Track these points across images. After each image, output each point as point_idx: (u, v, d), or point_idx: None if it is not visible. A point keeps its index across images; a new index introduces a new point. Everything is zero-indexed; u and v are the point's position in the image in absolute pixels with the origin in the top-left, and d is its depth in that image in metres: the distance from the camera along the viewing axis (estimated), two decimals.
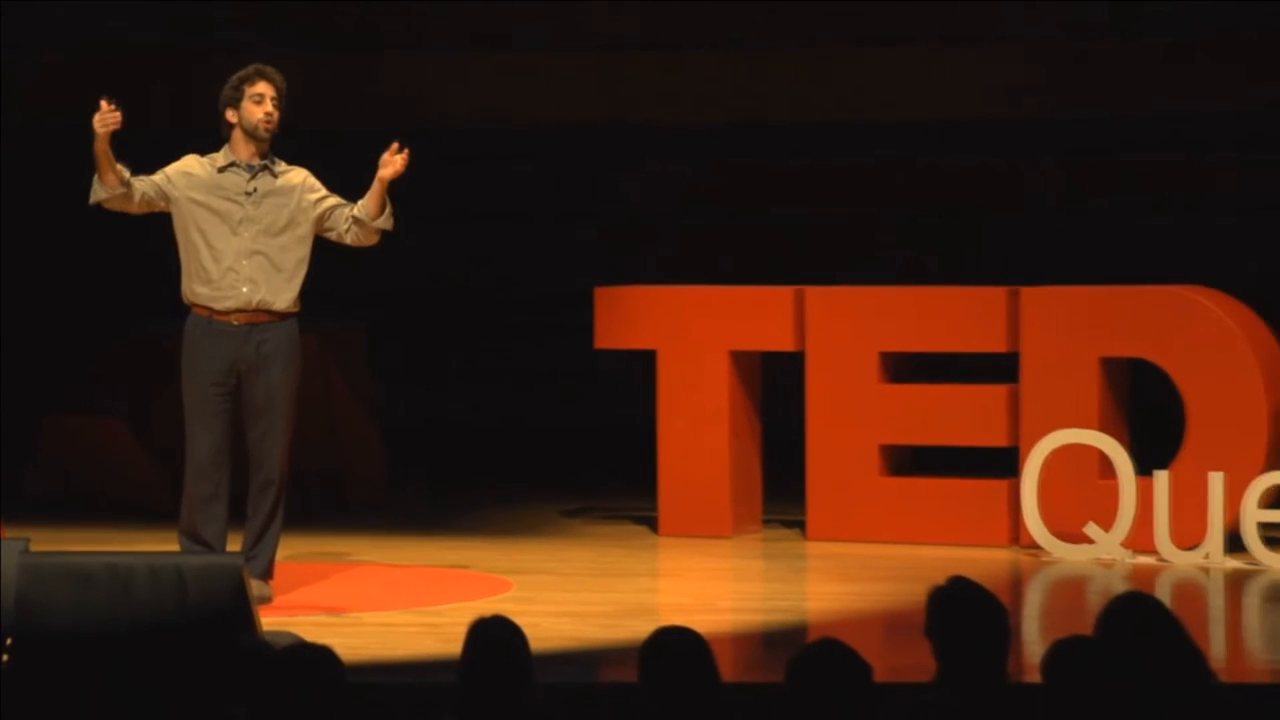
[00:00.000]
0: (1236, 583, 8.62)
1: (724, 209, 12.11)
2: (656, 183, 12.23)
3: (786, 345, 9.67)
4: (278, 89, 7.83)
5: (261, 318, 7.78)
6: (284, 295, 7.81)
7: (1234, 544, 8.87)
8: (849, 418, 9.53)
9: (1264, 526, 8.85)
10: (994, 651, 5.25)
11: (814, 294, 9.66)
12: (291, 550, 8.91)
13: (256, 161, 7.84)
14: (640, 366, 9.92)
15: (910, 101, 11.93)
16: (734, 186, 12.12)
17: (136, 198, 7.76)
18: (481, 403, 12.17)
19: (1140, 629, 5.23)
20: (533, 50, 12.19)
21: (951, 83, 11.90)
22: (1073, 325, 9.29)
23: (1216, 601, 8.41)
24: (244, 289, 7.76)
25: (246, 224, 7.81)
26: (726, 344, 9.71)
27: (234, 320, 7.76)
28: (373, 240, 7.94)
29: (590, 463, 11.40)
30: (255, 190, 7.82)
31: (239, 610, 6.42)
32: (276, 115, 7.81)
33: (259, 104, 7.79)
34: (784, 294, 9.69)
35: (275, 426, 7.80)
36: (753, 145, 12.09)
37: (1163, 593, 8.21)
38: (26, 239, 10.94)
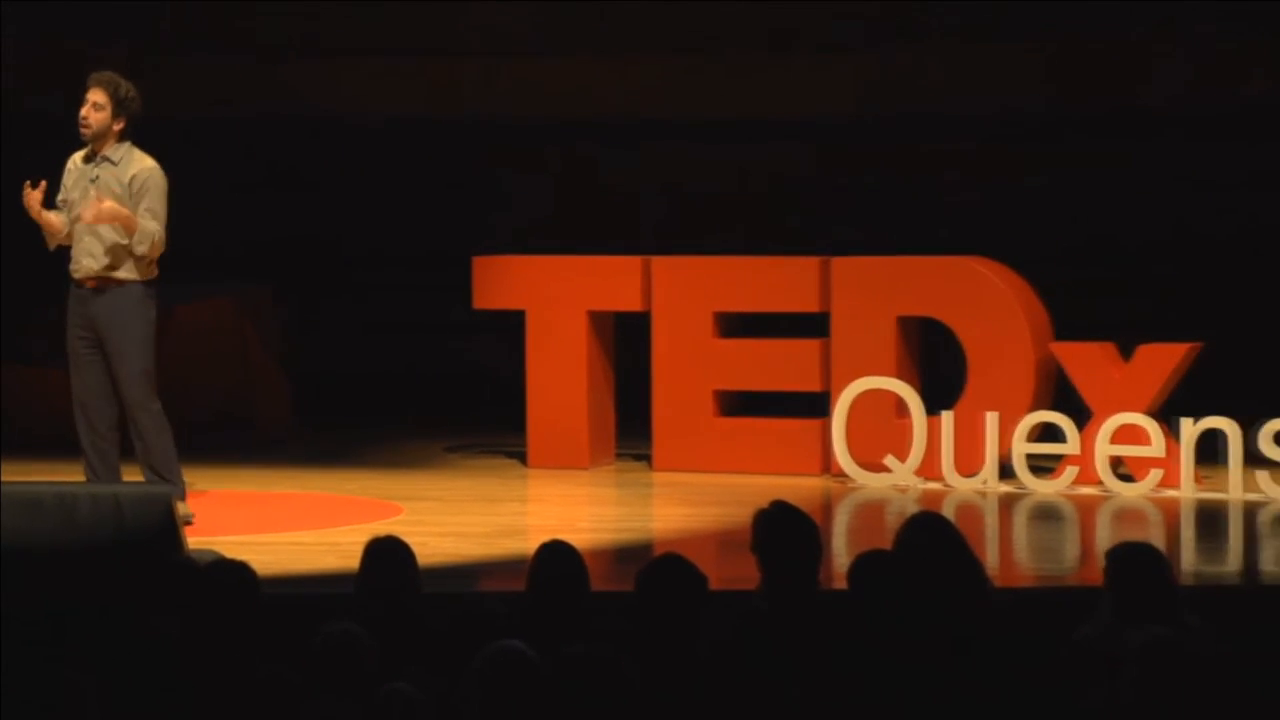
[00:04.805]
0: (1008, 504, 8.72)
1: (571, 189, 12.06)
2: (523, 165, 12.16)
3: (635, 306, 9.66)
4: (106, 93, 7.74)
5: (106, 283, 7.74)
6: (120, 267, 7.75)
7: (1006, 472, 8.97)
8: (688, 367, 9.54)
9: (1030, 457, 8.95)
10: (809, 563, 5.28)
11: (658, 262, 9.66)
12: (212, 481, 8.82)
13: (99, 152, 7.78)
14: (511, 324, 9.88)
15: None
16: (571, 171, 12.07)
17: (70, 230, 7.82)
18: (376, 353, 12.07)
19: (930, 543, 5.28)
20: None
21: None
22: (874, 289, 9.34)
23: (992, 520, 8.49)
24: (84, 260, 7.76)
25: (88, 206, 7.73)
26: (584, 305, 9.68)
27: (86, 285, 7.77)
28: (138, 251, 7.73)
29: (469, 405, 11.34)
30: (97, 178, 7.79)
31: (168, 532, 6.36)
32: (94, 118, 7.72)
33: (83, 106, 7.75)
34: (633, 262, 9.68)
35: (123, 370, 7.73)
36: (591, 137, 12.03)
37: (948, 513, 8.27)
38: None
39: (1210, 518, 8.34)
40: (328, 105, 11.97)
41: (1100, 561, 5.09)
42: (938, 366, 9.49)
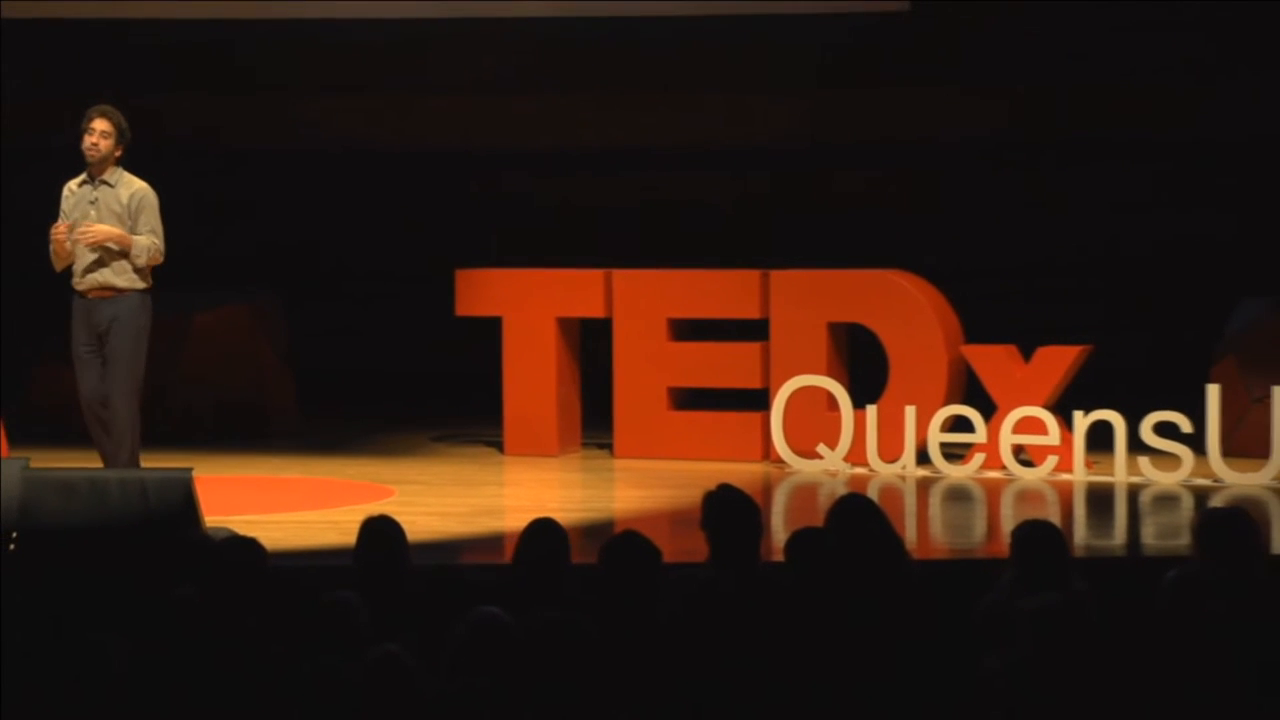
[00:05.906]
0: (924, 487, 8.74)
1: (549, 210, 12.05)
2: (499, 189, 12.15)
3: (599, 313, 9.66)
4: (110, 123, 7.67)
5: (106, 293, 7.67)
6: (119, 278, 7.68)
7: (923, 458, 9.00)
8: (645, 366, 9.54)
9: (944, 445, 8.97)
10: (751, 539, 5.28)
11: (619, 275, 9.65)
12: (227, 468, 8.79)
13: (98, 176, 7.71)
14: (489, 328, 9.86)
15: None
16: (549, 195, 12.06)
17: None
18: (372, 354, 12.03)
19: (856, 521, 5.29)
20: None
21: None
22: (808, 299, 9.36)
23: (910, 500, 8.52)
24: (86, 275, 7.70)
25: (83, 233, 7.68)
26: (554, 312, 9.68)
27: (89, 296, 7.70)
28: (138, 263, 7.71)
29: (452, 400, 11.31)
30: (96, 200, 7.73)
31: (188, 512, 6.33)
32: (102, 144, 7.65)
33: (89, 135, 7.67)
34: (596, 275, 9.67)
35: (116, 375, 7.65)
36: (569, 165, 12.02)
37: (872, 494, 8.30)
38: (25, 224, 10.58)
39: (1099, 498, 8.39)
40: (333, 137, 11.93)
41: (1005, 538, 5.10)
42: (859, 368, 9.51)
